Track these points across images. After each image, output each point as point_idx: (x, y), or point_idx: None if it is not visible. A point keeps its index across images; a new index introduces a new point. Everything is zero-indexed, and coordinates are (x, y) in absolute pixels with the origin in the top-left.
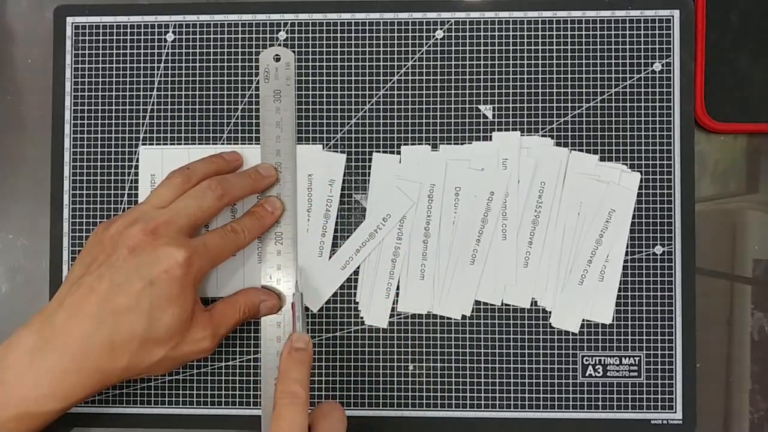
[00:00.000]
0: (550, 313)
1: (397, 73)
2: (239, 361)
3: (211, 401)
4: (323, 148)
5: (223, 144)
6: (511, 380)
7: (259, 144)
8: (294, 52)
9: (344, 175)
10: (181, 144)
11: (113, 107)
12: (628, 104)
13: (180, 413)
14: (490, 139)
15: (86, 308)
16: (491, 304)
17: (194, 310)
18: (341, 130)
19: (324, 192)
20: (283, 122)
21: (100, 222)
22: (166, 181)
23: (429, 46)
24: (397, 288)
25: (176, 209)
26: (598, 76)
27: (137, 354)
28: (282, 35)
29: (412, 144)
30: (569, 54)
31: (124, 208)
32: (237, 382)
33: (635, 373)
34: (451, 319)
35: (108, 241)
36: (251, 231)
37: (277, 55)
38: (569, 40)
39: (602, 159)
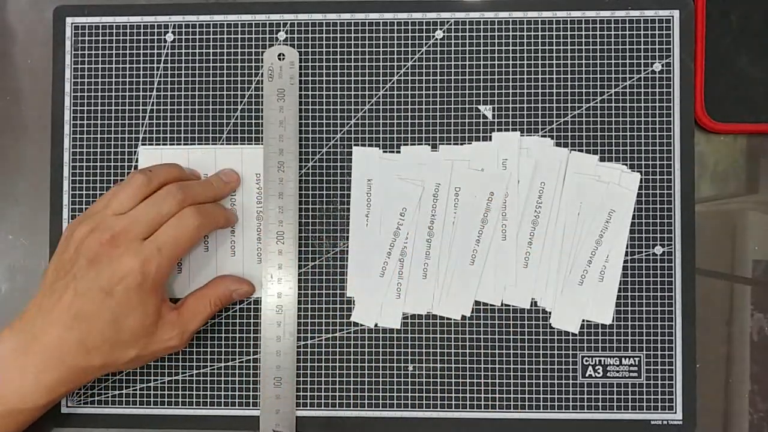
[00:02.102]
0: (550, 313)
1: (397, 73)
2: (239, 362)
3: (211, 401)
4: (381, 149)
5: (222, 144)
6: (511, 380)
7: (258, 144)
8: None
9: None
10: (180, 144)
11: (113, 107)
12: (628, 104)
13: (180, 413)
14: (490, 140)
15: (57, 313)
16: (491, 305)
17: (160, 311)
18: (341, 131)
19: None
20: (286, 121)
21: None
22: (126, 185)
23: (429, 46)
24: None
25: (135, 216)
26: (598, 76)
27: (110, 354)
28: (282, 35)
29: (412, 144)
30: (569, 54)
31: None
32: (237, 382)
33: (635, 374)
34: (450, 319)
35: (72, 247)
36: (212, 217)
37: (281, 53)
38: (569, 40)
39: (602, 159)
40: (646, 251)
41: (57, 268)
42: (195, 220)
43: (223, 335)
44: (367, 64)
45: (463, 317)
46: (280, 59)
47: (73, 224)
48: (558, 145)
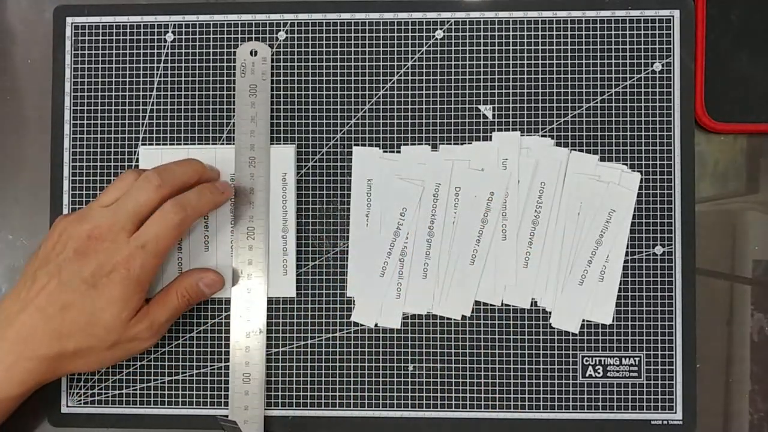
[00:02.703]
0: (550, 313)
1: (397, 73)
2: None
3: (211, 401)
4: (381, 149)
5: (222, 144)
6: (511, 380)
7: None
8: (294, 52)
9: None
10: (180, 144)
11: (113, 107)
12: (628, 104)
13: (180, 413)
14: (490, 139)
15: (37, 301)
16: (491, 305)
17: (137, 307)
18: (341, 130)
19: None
20: (258, 117)
21: None
22: (117, 181)
23: (429, 46)
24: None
25: (117, 209)
26: (598, 76)
27: (82, 346)
28: (282, 35)
29: (412, 144)
30: (569, 54)
31: None
32: None
33: (635, 374)
34: (450, 319)
35: (57, 238)
36: (195, 207)
37: (253, 49)
38: (569, 40)
39: (602, 159)
40: (646, 251)
41: (40, 257)
42: (176, 216)
43: (222, 335)
44: (367, 64)
45: (463, 317)
46: (252, 55)
47: (59, 218)
48: (558, 145)
